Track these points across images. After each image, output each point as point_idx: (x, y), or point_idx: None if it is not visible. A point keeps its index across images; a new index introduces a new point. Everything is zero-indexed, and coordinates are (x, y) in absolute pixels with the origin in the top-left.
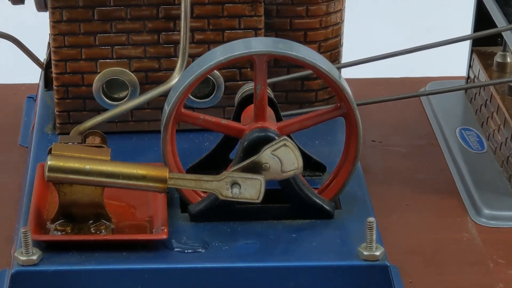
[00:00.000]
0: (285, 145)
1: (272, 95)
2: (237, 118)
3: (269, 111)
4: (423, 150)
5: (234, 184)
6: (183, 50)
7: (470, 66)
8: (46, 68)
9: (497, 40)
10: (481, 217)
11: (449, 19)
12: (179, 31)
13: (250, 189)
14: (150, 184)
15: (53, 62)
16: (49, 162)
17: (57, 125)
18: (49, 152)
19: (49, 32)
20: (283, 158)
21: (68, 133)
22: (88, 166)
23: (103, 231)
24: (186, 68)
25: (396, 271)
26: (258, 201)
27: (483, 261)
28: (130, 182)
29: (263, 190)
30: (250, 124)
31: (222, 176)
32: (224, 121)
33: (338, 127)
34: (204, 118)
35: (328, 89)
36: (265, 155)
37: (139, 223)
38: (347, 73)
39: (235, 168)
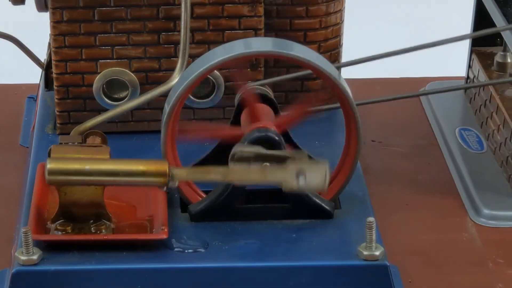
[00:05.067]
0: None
1: (272, 95)
2: (236, 118)
3: (268, 111)
4: (423, 150)
5: (299, 174)
6: (183, 50)
7: (469, 66)
8: (47, 68)
9: (496, 40)
10: (480, 217)
11: (449, 19)
12: (179, 31)
13: (316, 178)
14: (151, 179)
15: (53, 62)
16: (48, 166)
17: (58, 125)
18: (49, 154)
19: (49, 32)
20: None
21: (68, 133)
22: (87, 166)
23: (104, 231)
24: (186, 68)
25: (395, 271)
26: (324, 189)
27: (482, 261)
28: (131, 179)
29: (328, 178)
30: (249, 126)
31: (287, 165)
32: (221, 130)
33: (338, 127)
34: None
35: (328, 89)
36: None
37: (139, 223)
38: (347, 73)
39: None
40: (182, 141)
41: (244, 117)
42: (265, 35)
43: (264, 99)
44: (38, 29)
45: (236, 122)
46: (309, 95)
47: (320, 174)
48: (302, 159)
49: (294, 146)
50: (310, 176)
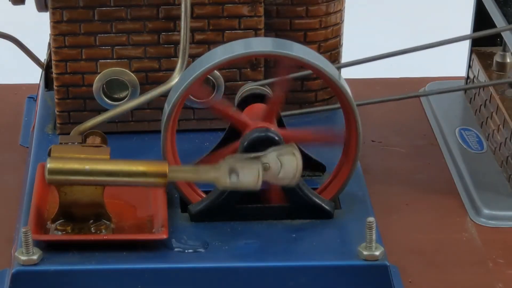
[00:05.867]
0: (293, 154)
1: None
2: (225, 141)
3: (252, 109)
4: (423, 150)
5: (232, 172)
6: (183, 50)
7: (469, 66)
8: (47, 68)
9: (496, 40)
10: (480, 217)
11: (449, 19)
12: (179, 31)
13: (248, 177)
14: (151, 179)
15: (53, 62)
16: (48, 165)
17: (58, 125)
18: (49, 153)
19: (49, 32)
20: (286, 165)
21: (68, 133)
22: (87, 166)
23: (104, 230)
24: (186, 68)
25: (395, 271)
26: (257, 188)
27: (482, 261)
28: (131, 179)
29: (261, 178)
30: (256, 122)
31: (220, 164)
32: (232, 112)
33: (338, 127)
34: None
35: (328, 89)
36: (270, 157)
37: (140, 222)
38: (347, 73)
39: (236, 156)
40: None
41: (248, 112)
42: (265, 35)
43: (264, 99)
44: (38, 29)
45: (224, 144)
46: (277, 75)
47: (253, 173)
48: (236, 158)
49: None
50: (243, 175)
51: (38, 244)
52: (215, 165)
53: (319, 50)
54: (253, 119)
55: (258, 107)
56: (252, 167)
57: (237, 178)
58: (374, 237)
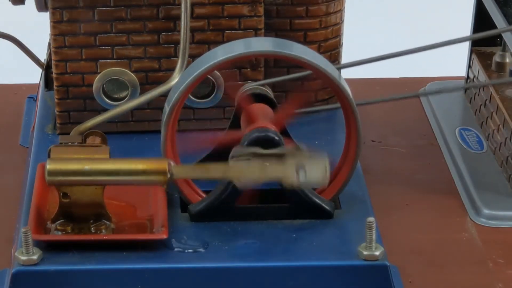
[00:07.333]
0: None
1: (272, 95)
2: (236, 117)
3: (265, 110)
4: (423, 150)
5: (299, 169)
6: (183, 50)
7: (469, 66)
8: (47, 68)
9: (496, 40)
10: (480, 217)
11: (449, 19)
12: (179, 31)
13: (316, 173)
14: (151, 177)
15: (53, 62)
16: (48, 166)
17: (58, 125)
18: (49, 154)
19: (49, 32)
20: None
21: (68, 133)
22: (87, 166)
23: (104, 230)
24: (186, 68)
25: (395, 271)
26: (325, 184)
27: (482, 261)
28: (131, 178)
29: (328, 173)
30: (248, 127)
31: (285, 162)
32: (221, 135)
33: (338, 127)
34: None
35: (328, 89)
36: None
37: (140, 222)
38: (347, 73)
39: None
40: (184, 152)
41: (243, 119)
42: (265, 35)
43: (264, 99)
44: (38, 29)
45: (234, 126)
46: (300, 88)
47: (321, 168)
48: (301, 154)
49: (293, 142)
50: (310, 171)
51: (38, 244)
52: (281, 162)
53: (319, 50)
54: (252, 120)
55: (258, 107)
56: (319, 162)
57: (305, 175)
58: (374, 237)
